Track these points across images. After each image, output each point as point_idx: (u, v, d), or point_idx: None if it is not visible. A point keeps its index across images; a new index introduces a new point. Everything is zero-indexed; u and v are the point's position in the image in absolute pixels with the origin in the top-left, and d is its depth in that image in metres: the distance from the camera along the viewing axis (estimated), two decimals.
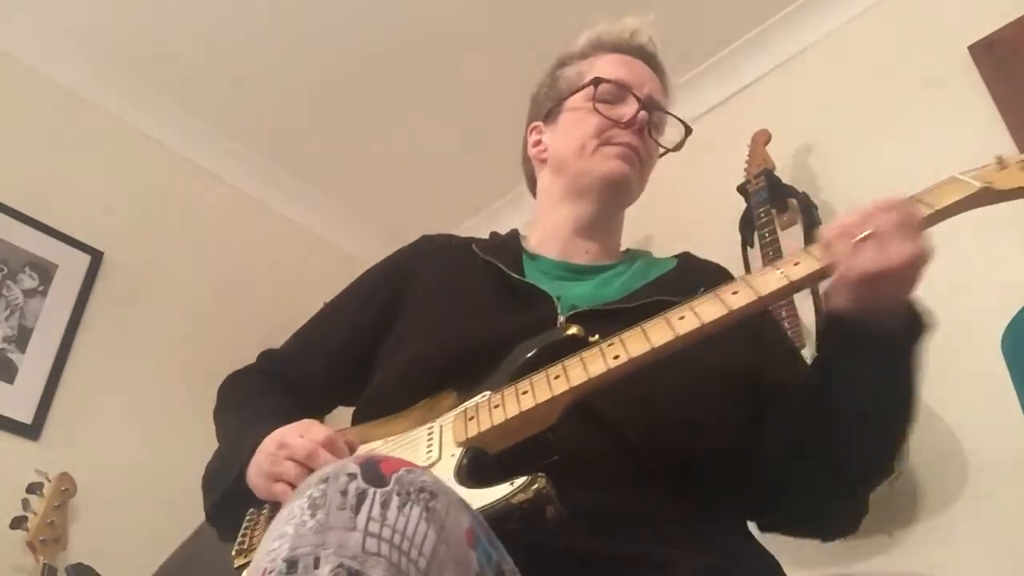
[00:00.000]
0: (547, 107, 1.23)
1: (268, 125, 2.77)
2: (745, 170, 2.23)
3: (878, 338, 0.82)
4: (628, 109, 1.14)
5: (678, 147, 1.22)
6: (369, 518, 0.58)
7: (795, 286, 0.82)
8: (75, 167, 2.48)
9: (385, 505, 0.59)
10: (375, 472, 0.61)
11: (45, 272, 2.31)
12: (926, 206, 0.80)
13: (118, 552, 2.06)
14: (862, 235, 0.78)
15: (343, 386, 1.13)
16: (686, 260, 1.19)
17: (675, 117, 1.21)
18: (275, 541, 0.58)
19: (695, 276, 1.10)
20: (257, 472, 0.93)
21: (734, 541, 0.89)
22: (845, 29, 2.38)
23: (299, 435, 0.90)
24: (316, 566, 0.55)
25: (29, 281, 2.28)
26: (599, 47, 1.22)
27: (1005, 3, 2.03)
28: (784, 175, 2.22)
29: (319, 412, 1.18)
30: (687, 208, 2.44)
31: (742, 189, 2.20)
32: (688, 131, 1.22)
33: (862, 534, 1.78)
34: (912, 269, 0.79)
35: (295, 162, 2.92)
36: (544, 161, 1.22)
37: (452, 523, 0.61)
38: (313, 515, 0.58)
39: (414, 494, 0.60)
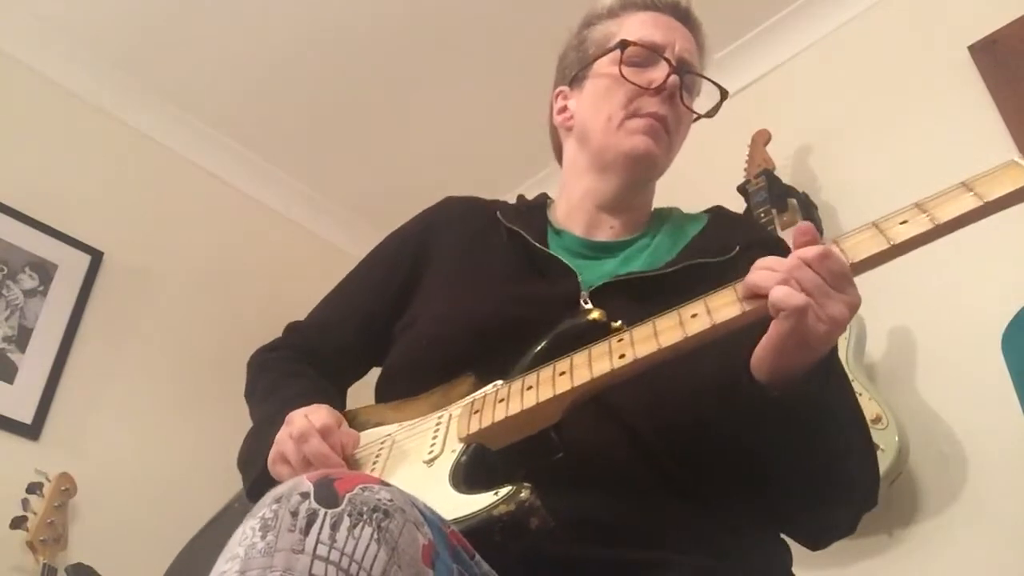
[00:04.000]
0: (573, 71, 1.16)
1: (268, 125, 2.77)
2: (745, 170, 2.23)
3: (805, 399, 0.79)
4: (658, 74, 1.07)
5: (712, 113, 1.14)
6: (318, 541, 0.58)
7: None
8: (75, 167, 2.48)
9: (335, 527, 0.59)
10: (329, 491, 0.61)
11: (45, 272, 2.31)
12: (976, 197, 0.71)
13: (118, 552, 2.06)
14: (799, 304, 0.73)
15: (370, 352, 1.12)
16: (719, 215, 1.14)
17: (709, 80, 1.14)
18: (227, 563, 0.59)
19: (731, 231, 1.04)
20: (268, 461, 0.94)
21: (738, 543, 0.87)
22: (845, 29, 2.38)
23: (304, 415, 0.91)
24: None
25: (29, 281, 2.28)
26: (628, 4, 1.14)
27: (1005, 3, 2.03)
28: (784, 175, 2.22)
29: (349, 379, 1.17)
30: (687, 208, 2.43)
31: (742, 189, 2.20)
32: (724, 95, 1.14)
33: (862, 534, 1.78)
34: (845, 325, 0.76)
35: (295, 162, 2.92)
36: (570, 129, 1.16)
37: (406, 542, 0.61)
38: (264, 537, 0.59)
39: (367, 514, 0.60)
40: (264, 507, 0.61)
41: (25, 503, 1.92)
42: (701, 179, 2.44)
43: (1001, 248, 1.81)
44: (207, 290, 2.65)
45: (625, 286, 0.96)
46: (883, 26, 2.29)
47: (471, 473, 0.82)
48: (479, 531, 0.71)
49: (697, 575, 0.82)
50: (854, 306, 0.76)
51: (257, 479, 0.96)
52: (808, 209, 2.14)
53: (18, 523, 1.89)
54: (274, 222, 2.96)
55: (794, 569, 0.95)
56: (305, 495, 0.61)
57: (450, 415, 0.90)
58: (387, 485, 0.65)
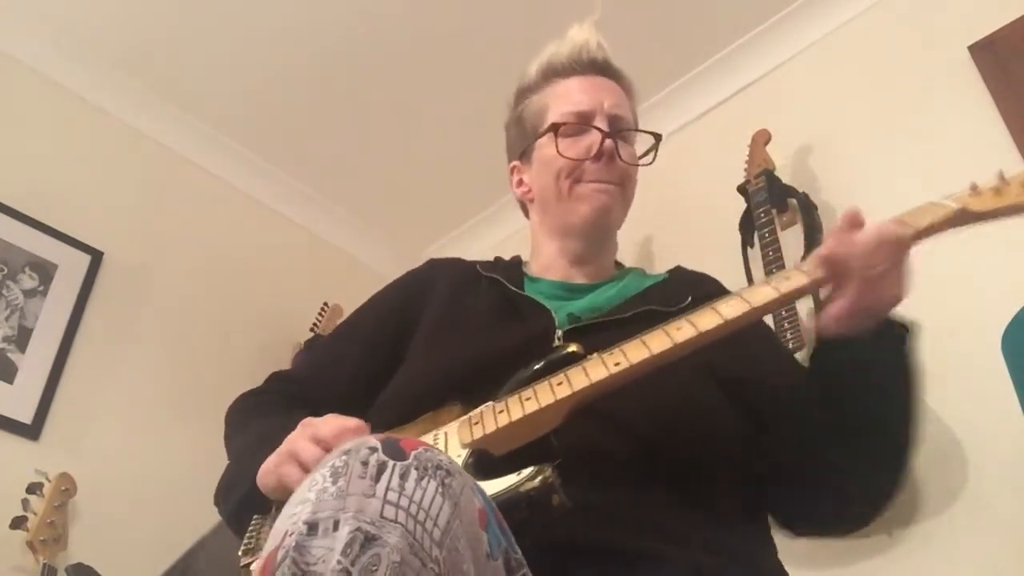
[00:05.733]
0: (520, 147, 1.25)
1: (269, 125, 2.77)
2: (745, 170, 2.23)
3: (876, 352, 0.89)
4: (593, 139, 1.15)
5: (651, 160, 1.23)
6: (388, 488, 0.60)
7: (786, 298, 0.88)
8: (75, 167, 2.48)
9: (404, 477, 0.61)
10: (395, 447, 0.64)
11: (45, 272, 2.31)
12: (907, 226, 0.86)
13: (118, 552, 2.06)
14: (875, 272, 0.84)
15: (357, 410, 1.13)
16: (677, 273, 1.22)
17: (641, 131, 1.22)
18: (297, 506, 0.61)
19: (685, 286, 1.13)
20: (266, 467, 0.93)
21: (735, 540, 0.90)
22: (845, 29, 2.38)
23: (323, 420, 0.91)
24: (335, 528, 0.58)
25: (29, 281, 2.28)
26: (551, 73, 1.22)
27: (1005, 3, 2.03)
28: (784, 175, 2.22)
29: None
30: (687, 208, 2.44)
31: (742, 189, 2.20)
32: (657, 140, 1.22)
33: (862, 534, 1.78)
34: (893, 300, 0.87)
35: (295, 162, 2.92)
36: (531, 200, 1.24)
37: (466, 501, 0.64)
38: (335, 482, 0.61)
39: (432, 470, 0.63)
40: (333, 458, 0.64)
41: (25, 503, 1.92)
42: (701, 179, 2.46)
43: (1001, 248, 1.81)
44: (207, 290, 2.65)
45: (592, 327, 1.04)
46: (883, 26, 2.29)
47: (478, 474, 0.83)
48: (505, 508, 0.73)
49: (693, 568, 0.84)
50: (905, 282, 0.87)
51: (243, 500, 0.95)
52: (808, 209, 2.14)
53: (18, 523, 1.89)
54: (274, 222, 2.97)
55: (795, 569, 0.96)
56: (373, 449, 0.63)
57: (445, 432, 0.92)
58: (444, 453, 0.68)
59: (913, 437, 0.93)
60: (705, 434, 0.93)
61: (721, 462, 0.93)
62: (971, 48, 2.05)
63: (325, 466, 0.63)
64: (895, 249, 0.85)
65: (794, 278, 0.88)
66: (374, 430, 1.01)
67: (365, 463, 0.62)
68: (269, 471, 0.92)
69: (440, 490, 0.62)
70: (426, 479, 0.62)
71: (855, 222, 0.87)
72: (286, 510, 0.62)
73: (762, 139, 2.24)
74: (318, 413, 1.11)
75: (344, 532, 0.57)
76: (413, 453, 0.63)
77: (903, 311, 0.90)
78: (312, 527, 0.58)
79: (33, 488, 1.94)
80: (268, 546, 0.60)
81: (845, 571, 1.78)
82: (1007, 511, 1.65)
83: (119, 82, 2.61)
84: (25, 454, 2.07)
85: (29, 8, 2.41)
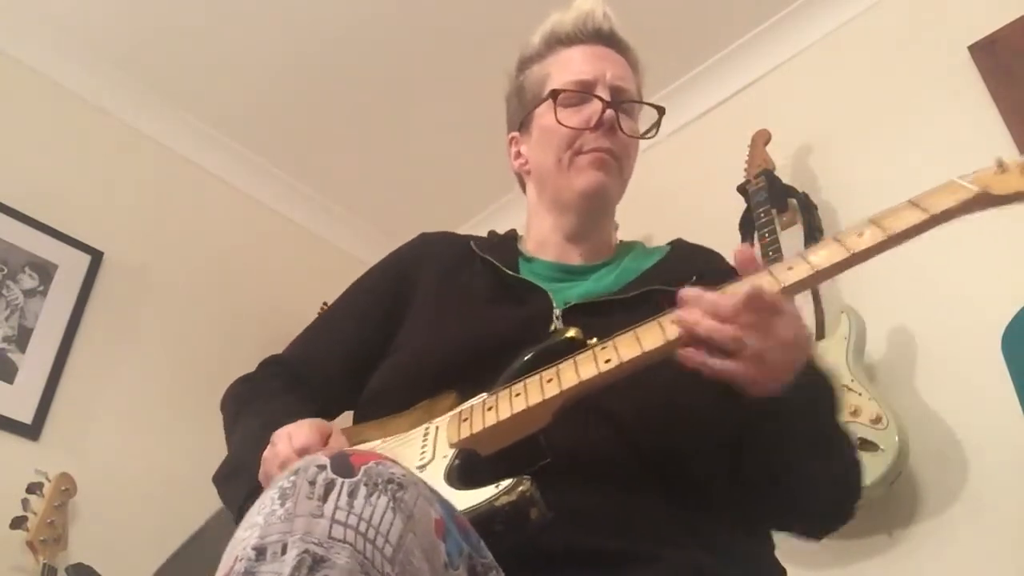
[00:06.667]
0: (519, 117, 1.21)
1: (269, 125, 2.77)
2: (745, 170, 2.22)
3: (789, 406, 0.83)
4: (594, 109, 1.11)
5: (653, 133, 1.18)
6: (336, 507, 0.60)
7: (788, 291, 0.82)
8: (75, 167, 2.48)
9: (352, 494, 0.60)
10: (344, 464, 0.63)
11: (45, 272, 2.31)
12: (921, 211, 0.78)
13: (118, 552, 2.06)
14: (743, 347, 0.77)
15: (350, 389, 1.12)
16: (679, 246, 1.19)
17: (644, 103, 1.18)
18: (246, 530, 0.60)
19: (688, 262, 1.11)
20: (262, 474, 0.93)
21: (731, 539, 0.89)
22: (845, 29, 2.38)
23: (287, 435, 0.90)
24: (283, 552, 0.57)
25: (29, 281, 2.28)
26: (554, 42, 1.18)
27: (1005, 3, 2.03)
28: (784, 175, 2.22)
29: (332, 412, 1.16)
30: (687, 208, 2.44)
31: (742, 189, 2.20)
32: (661, 112, 1.18)
33: (862, 534, 1.78)
34: (795, 345, 0.80)
35: (295, 162, 2.92)
36: (528, 173, 1.21)
37: (420, 513, 0.63)
38: (282, 504, 0.60)
39: (382, 485, 0.62)
40: (282, 479, 0.63)
41: (25, 503, 1.92)
42: (701, 179, 2.46)
43: (1001, 248, 1.81)
44: (207, 290, 2.65)
45: (593, 307, 1.01)
46: (883, 26, 2.29)
47: (464, 476, 0.83)
48: (481, 521, 0.72)
49: (693, 569, 0.83)
50: (796, 322, 0.81)
51: (250, 496, 0.94)
52: (808, 209, 2.14)
53: (18, 523, 1.89)
54: (274, 222, 2.97)
55: (795, 569, 0.95)
56: (322, 467, 0.62)
57: (436, 427, 0.91)
58: (398, 464, 0.66)
59: (830, 472, 0.89)
60: (701, 433, 0.90)
61: (719, 461, 0.91)
62: (971, 48, 2.05)
63: (274, 487, 0.62)
64: (759, 313, 0.78)
65: (796, 267, 0.81)
66: (369, 418, 1.02)
67: (312, 482, 0.61)
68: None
69: (391, 505, 0.61)
70: (376, 495, 0.61)
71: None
72: (237, 534, 0.62)
73: (762, 139, 2.24)
74: (314, 392, 1.11)
75: (292, 555, 0.57)
76: (363, 468, 0.62)
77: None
78: (260, 552, 0.58)
79: (33, 488, 1.94)
80: (219, 573, 0.60)
81: (845, 571, 1.78)
82: (1007, 511, 1.65)
83: (119, 82, 2.61)
84: (25, 454, 2.07)
85: (29, 8, 2.41)
